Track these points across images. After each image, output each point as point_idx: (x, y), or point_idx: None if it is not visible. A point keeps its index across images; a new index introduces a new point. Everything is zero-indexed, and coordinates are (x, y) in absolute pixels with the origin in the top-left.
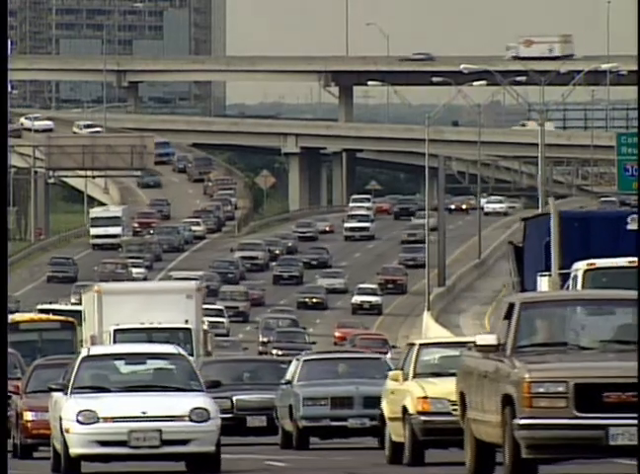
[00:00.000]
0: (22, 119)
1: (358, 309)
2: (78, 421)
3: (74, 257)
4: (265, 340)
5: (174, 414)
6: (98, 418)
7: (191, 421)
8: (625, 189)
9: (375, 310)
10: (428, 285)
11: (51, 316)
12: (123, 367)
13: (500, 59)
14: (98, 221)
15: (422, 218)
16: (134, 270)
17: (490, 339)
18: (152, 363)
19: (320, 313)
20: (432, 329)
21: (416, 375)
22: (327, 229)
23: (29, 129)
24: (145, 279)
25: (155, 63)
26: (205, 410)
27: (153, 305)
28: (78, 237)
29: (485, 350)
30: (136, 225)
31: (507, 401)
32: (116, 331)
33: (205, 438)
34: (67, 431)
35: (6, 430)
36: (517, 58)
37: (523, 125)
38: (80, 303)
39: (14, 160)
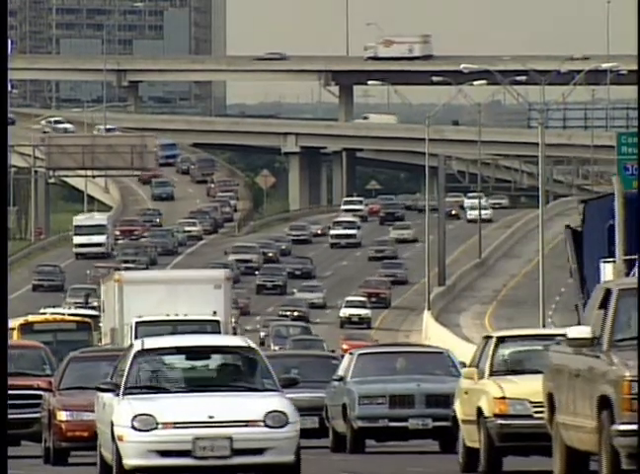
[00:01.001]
0: (43, 122)
1: (346, 323)
2: (133, 427)
3: (61, 264)
4: (276, 348)
5: (246, 418)
6: (157, 423)
7: (266, 426)
8: (625, 188)
9: (364, 324)
10: (428, 285)
11: (67, 316)
12: (184, 363)
13: (500, 59)
14: (81, 229)
15: (401, 229)
16: (101, 289)
17: (584, 331)
18: (218, 358)
19: None
20: (432, 328)
21: (493, 373)
22: (319, 232)
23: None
24: None
25: (155, 63)
26: (283, 413)
27: (178, 295)
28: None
29: (578, 344)
30: (118, 233)
31: (604, 403)
32: (138, 323)
33: (283, 447)
34: (120, 438)
35: (6, 429)
36: (374, 59)
37: (365, 118)
38: (85, 305)
39: (14, 160)
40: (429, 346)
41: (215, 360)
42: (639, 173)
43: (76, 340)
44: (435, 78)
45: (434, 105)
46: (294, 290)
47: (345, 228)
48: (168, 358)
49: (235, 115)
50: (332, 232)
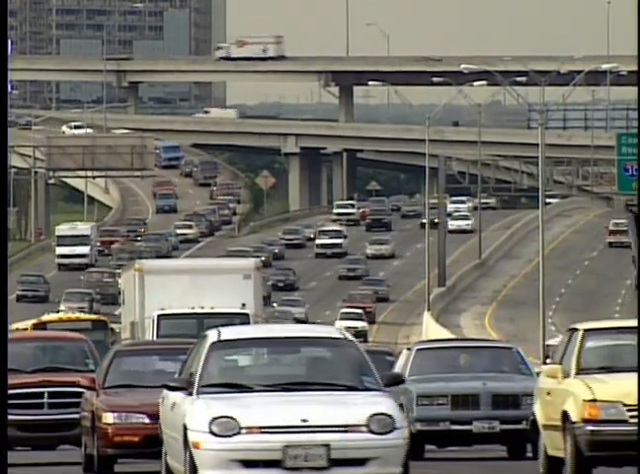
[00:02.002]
0: (63, 128)
1: None
2: (212, 432)
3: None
4: None
5: (346, 422)
6: (240, 428)
7: (370, 432)
8: (625, 189)
9: (361, 338)
10: (428, 285)
11: (82, 315)
12: (270, 357)
13: (500, 59)
14: (64, 240)
15: (378, 244)
16: (120, 280)
17: None
18: (309, 351)
19: None
20: (432, 329)
21: (580, 371)
22: (312, 236)
23: (28, 128)
24: None
25: (155, 63)
26: (389, 416)
27: (204, 287)
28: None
29: None
30: (98, 244)
31: None
32: (160, 317)
33: (390, 457)
34: (196, 446)
35: (6, 429)
36: (227, 59)
37: (207, 113)
38: (89, 311)
39: (14, 160)
40: (495, 340)
41: (305, 354)
42: (639, 173)
43: (93, 340)
44: (435, 79)
45: (434, 105)
46: (274, 304)
47: (331, 237)
48: (250, 351)
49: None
50: (317, 241)
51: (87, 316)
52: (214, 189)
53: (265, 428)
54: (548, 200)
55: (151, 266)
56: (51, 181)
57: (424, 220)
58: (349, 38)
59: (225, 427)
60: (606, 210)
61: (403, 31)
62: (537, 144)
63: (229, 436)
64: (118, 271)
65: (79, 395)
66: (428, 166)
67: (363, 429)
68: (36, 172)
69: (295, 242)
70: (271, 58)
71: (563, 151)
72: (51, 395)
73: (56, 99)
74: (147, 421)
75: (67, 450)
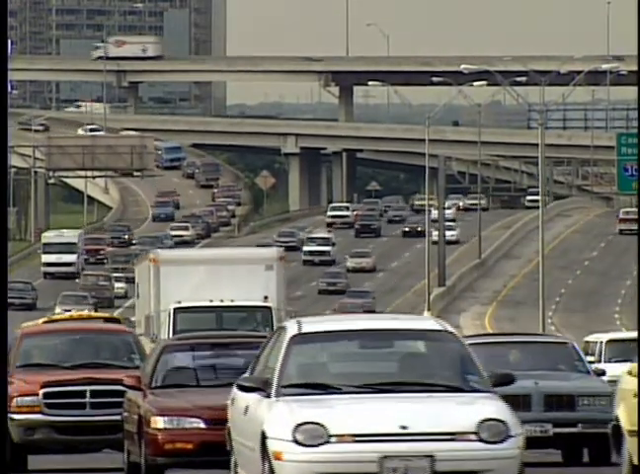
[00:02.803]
0: (79, 130)
1: None
2: (296, 440)
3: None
4: None
5: (453, 429)
6: (329, 436)
7: (480, 441)
8: (625, 189)
9: None
10: (428, 285)
11: (93, 313)
12: (359, 353)
13: (500, 59)
14: (51, 247)
15: (359, 257)
16: (116, 284)
17: None
18: (403, 346)
19: None
20: None
21: None
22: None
23: (29, 129)
24: (126, 295)
25: (155, 63)
26: (502, 422)
27: (224, 278)
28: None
29: None
30: (84, 252)
31: None
32: (176, 310)
33: (504, 469)
34: (278, 456)
35: (6, 429)
36: (106, 58)
37: (78, 107)
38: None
39: (14, 160)
40: (549, 335)
41: (400, 349)
42: (639, 173)
43: None
44: (435, 79)
45: (434, 105)
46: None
47: (318, 245)
48: (336, 346)
49: (235, 115)
50: (305, 248)
51: (99, 314)
52: (215, 191)
53: (358, 436)
54: (531, 198)
55: (167, 256)
56: (51, 181)
57: (406, 228)
58: (349, 38)
59: (312, 434)
60: (606, 210)
61: (403, 31)
62: (537, 144)
63: (316, 446)
64: (114, 274)
65: (122, 394)
66: (428, 166)
67: (472, 437)
68: (36, 172)
69: (290, 245)
70: (150, 57)
71: (563, 151)
72: (94, 394)
73: (56, 99)
74: (203, 426)
75: (108, 454)
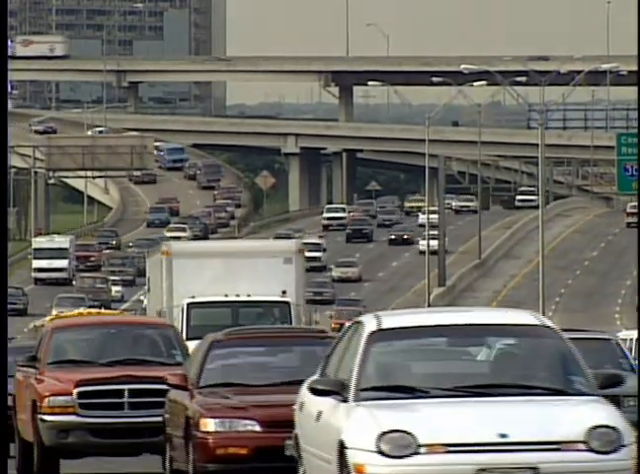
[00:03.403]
0: (88, 132)
1: None
2: (381, 451)
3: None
4: None
5: (559, 438)
6: (418, 446)
7: (590, 450)
8: (625, 189)
9: None
10: (428, 285)
11: (103, 310)
12: (447, 351)
13: (500, 59)
14: (42, 253)
15: (345, 267)
16: (113, 288)
17: None
18: (498, 343)
19: None
20: None
21: None
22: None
23: (38, 131)
24: (123, 298)
25: (155, 64)
26: (614, 430)
27: (240, 272)
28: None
29: None
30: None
31: None
32: (190, 305)
33: None
34: (360, 469)
35: (6, 429)
36: (12, 58)
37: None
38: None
39: (14, 160)
40: (591, 331)
41: (495, 347)
42: (639, 173)
43: None
44: (435, 79)
45: (434, 105)
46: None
47: (309, 251)
48: (421, 343)
49: (235, 115)
50: None
51: (109, 312)
52: (215, 193)
53: (451, 445)
54: (522, 198)
55: (180, 248)
56: (51, 181)
57: (392, 236)
58: (349, 38)
59: (399, 444)
60: (606, 210)
61: (403, 31)
62: (537, 144)
63: (404, 457)
64: (111, 278)
65: (164, 393)
66: (427, 166)
67: (581, 446)
68: (35, 172)
69: None
70: (57, 57)
71: (563, 151)
72: (133, 393)
73: (56, 99)
74: (258, 429)
75: (147, 458)
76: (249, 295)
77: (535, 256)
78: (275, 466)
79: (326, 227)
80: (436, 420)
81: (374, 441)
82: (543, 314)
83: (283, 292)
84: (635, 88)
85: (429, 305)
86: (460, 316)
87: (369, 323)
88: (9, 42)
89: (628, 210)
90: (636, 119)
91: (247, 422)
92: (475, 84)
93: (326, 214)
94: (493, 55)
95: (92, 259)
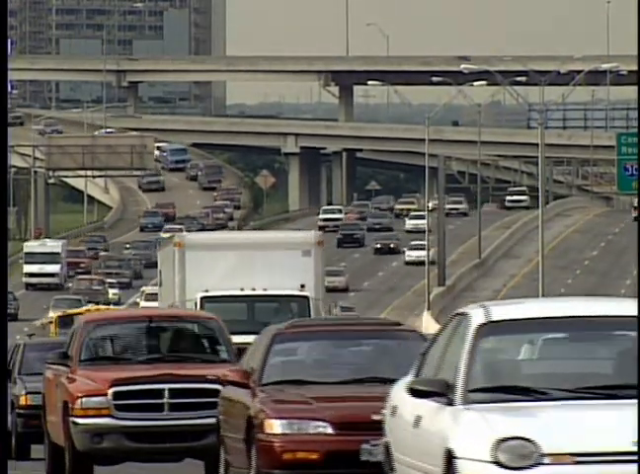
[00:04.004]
0: (96, 133)
1: None
2: (498, 461)
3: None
4: None
5: None
6: (541, 455)
7: None
8: (625, 189)
9: None
10: (428, 285)
11: (112, 307)
12: (564, 347)
13: (500, 59)
14: (33, 257)
15: (333, 276)
16: (110, 290)
17: None
18: (622, 338)
19: None
20: (432, 329)
21: None
22: None
23: (43, 133)
24: (120, 301)
25: (155, 63)
26: None
27: (256, 264)
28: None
29: None
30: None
31: None
32: (203, 299)
33: None
34: None
35: (6, 429)
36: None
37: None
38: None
39: (14, 160)
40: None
41: (617, 342)
42: (639, 173)
43: None
44: (434, 78)
45: (434, 105)
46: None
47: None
48: (536, 338)
49: (235, 115)
50: None
51: (119, 308)
52: (215, 194)
53: (581, 455)
54: (511, 198)
55: (193, 239)
56: (51, 180)
57: (377, 245)
58: (349, 38)
59: (519, 453)
60: (606, 210)
61: (403, 31)
62: (537, 144)
63: (525, 468)
64: (108, 280)
65: (207, 393)
66: (427, 166)
67: None
68: (35, 172)
69: None
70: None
71: (563, 151)
72: (173, 393)
73: (56, 98)
74: (330, 431)
75: (189, 464)
76: (265, 289)
77: (535, 255)
78: (348, 473)
79: (322, 228)
80: (560, 425)
81: (490, 450)
82: None
83: (302, 286)
84: (635, 88)
85: (429, 305)
86: (581, 306)
87: (476, 315)
88: (9, 43)
89: (635, 205)
90: (636, 119)
91: (318, 423)
92: (475, 84)
93: (322, 216)
94: (493, 55)
95: (82, 265)
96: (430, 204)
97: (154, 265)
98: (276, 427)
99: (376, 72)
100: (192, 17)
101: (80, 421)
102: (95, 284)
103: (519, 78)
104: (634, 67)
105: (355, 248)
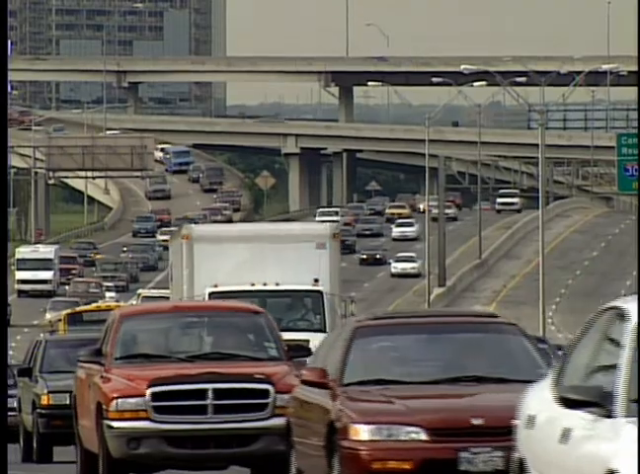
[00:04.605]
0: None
1: None
2: None
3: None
4: None
5: None
6: None
7: None
8: (625, 189)
9: None
10: (428, 285)
11: (123, 303)
12: None
13: (500, 60)
14: (25, 263)
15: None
16: (107, 294)
17: None
18: None
19: None
20: None
21: None
22: None
23: (29, 129)
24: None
25: (155, 64)
26: None
27: (268, 258)
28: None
29: None
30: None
31: None
32: (212, 295)
33: None
34: None
35: (6, 429)
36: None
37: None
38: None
39: (14, 161)
40: None
41: None
42: (639, 173)
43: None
44: (434, 79)
45: (434, 106)
46: None
47: None
48: None
49: (235, 115)
50: None
51: (127, 304)
52: (214, 196)
53: None
54: (502, 201)
55: (201, 232)
56: (51, 181)
57: (363, 256)
58: (349, 38)
59: None
60: (606, 210)
61: (403, 31)
62: (537, 144)
63: None
64: (106, 283)
65: (255, 394)
66: (427, 166)
67: None
68: (36, 172)
69: None
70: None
71: (563, 151)
72: (218, 394)
73: (56, 99)
74: (424, 437)
75: (234, 472)
76: (277, 284)
77: (535, 256)
78: None
79: None
80: None
81: None
82: (544, 314)
83: (316, 281)
84: (635, 88)
85: (429, 305)
86: None
87: (634, 309)
88: (9, 44)
89: None
90: (636, 120)
91: (410, 428)
92: (475, 84)
93: (318, 218)
94: (493, 55)
95: (73, 271)
96: (421, 206)
97: (151, 268)
98: (362, 433)
99: (376, 72)
100: (192, 17)
101: (115, 424)
102: (92, 287)
103: (519, 79)
104: (634, 68)
105: (345, 254)
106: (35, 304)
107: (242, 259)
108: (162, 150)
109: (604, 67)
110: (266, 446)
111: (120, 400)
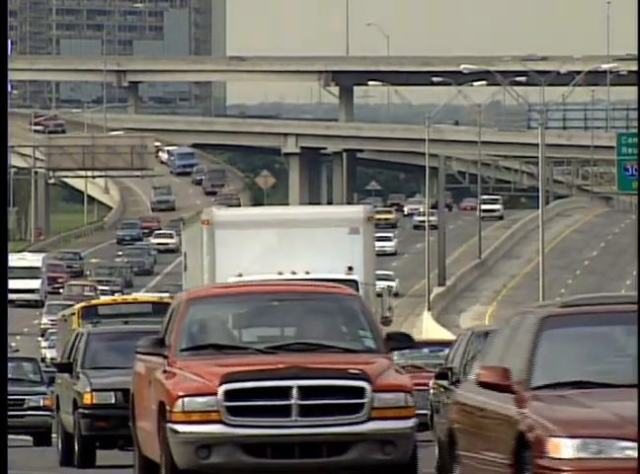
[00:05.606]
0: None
1: None
2: None
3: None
4: None
5: None
6: None
7: None
8: (625, 189)
9: None
10: (428, 285)
11: (140, 297)
12: None
13: (500, 59)
14: (12, 272)
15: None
16: (102, 298)
17: None
18: None
19: None
20: (432, 329)
21: None
22: None
23: (38, 131)
24: None
25: (155, 63)
26: None
27: (296, 244)
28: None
29: None
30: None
31: None
32: None
33: None
34: None
35: (6, 429)
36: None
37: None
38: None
39: (14, 160)
40: None
41: None
42: (639, 173)
43: (154, 326)
44: (435, 79)
45: (434, 105)
46: None
47: None
48: None
49: (235, 115)
50: None
51: (146, 297)
52: (212, 200)
53: None
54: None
55: (224, 217)
56: (51, 181)
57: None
58: (349, 38)
59: None
60: (606, 210)
61: (403, 31)
62: (537, 144)
63: None
64: (100, 287)
65: (349, 393)
66: (428, 166)
67: None
68: (36, 172)
69: None
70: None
71: (563, 151)
72: (304, 393)
73: (56, 99)
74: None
75: None
76: (307, 273)
77: (535, 255)
78: None
79: None
80: None
81: None
82: None
83: (349, 269)
84: (635, 88)
85: (429, 305)
86: None
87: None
88: (9, 44)
89: None
90: (636, 120)
91: (625, 443)
92: (475, 84)
93: None
94: (493, 55)
95: (60, 280)
96: (406, 209)
97: (147, 272)
98: (566, 449)
99: (376, 72)
100: (192, 17)
101: (181, 428)
102: (87, 291)
103: (519, 78)
104: (634, 68)
105: None
106: (20, 313)
107: (268, 245)
108: (167, 152)
109: (604, 67)
110: (361, 456)
111: (186, 399)
